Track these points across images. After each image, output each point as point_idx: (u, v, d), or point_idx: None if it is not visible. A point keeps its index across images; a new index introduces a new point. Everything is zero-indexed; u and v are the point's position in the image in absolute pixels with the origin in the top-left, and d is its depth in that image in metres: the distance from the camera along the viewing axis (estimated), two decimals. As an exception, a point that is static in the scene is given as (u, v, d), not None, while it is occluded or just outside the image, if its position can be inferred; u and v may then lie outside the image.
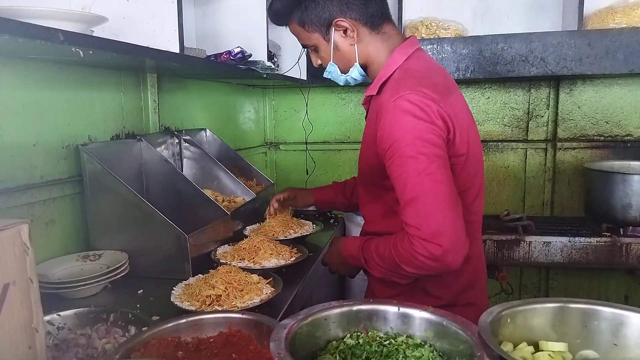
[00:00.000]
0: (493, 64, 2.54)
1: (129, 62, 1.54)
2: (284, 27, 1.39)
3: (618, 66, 2.45)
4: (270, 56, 2.26)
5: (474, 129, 1.34)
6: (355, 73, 1.36)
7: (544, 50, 2.50)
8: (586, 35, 2.46)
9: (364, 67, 1.36)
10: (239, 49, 1.83)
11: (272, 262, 1.53)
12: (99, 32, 1.42)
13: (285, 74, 2.48)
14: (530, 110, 2.95)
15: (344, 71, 1.37)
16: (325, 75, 1.42)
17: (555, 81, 2.88)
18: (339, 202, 1.88)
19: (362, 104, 1.44)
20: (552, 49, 2.50)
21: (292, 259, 1.58)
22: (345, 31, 1.30)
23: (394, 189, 1.20)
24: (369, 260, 1.30)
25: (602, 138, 2.88)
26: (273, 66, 2.17)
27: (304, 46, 1.39)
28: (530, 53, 2.52)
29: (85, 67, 1.59)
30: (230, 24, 2.17)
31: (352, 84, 1.43)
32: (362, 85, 1.44)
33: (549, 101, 2.92)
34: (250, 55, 1.92)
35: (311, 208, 2.18)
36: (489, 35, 2.57)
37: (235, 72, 1.86)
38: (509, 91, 2.97)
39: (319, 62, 1.39)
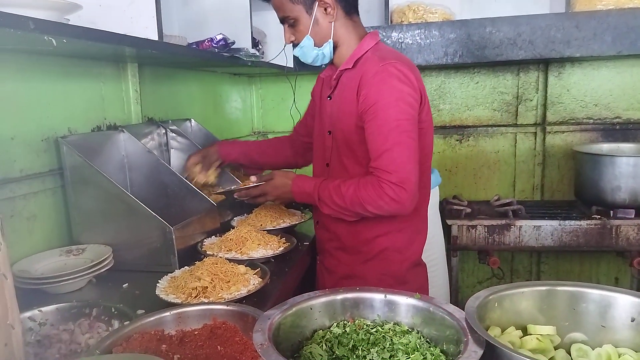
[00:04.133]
0: (481, 48, 2.51)
1: (107, 51, 1.50)
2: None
3: (606, 48, 2.44)
4: (255, 43, 2.22)
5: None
6: (328, 49, 1.49)
7: (532, 33, 2.48)
8: (574, 17, 2.45)
9: (334, 46, 1.50)
10: (221, 36, 1.79)
11: (259, 253, 1.51)
12: (75, 20, 1.38)
13: (270, 62, 2.44)
14: (519, 95, 2.94)
15: (318, 45, 1.48)
16: (295, 52, 1.53)
17: (544, 64, 2.87)
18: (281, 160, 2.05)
19: (332, 80, 1.53)
20: (540, 31, 2.47)
21: (280, 248, 1.56)
22: (326, 9, 1.44)
23: (368, 141, 1.38)
24: (324, 198, 1.45)
25: (592, 121, 2.87)
26: (257, 53, 2.13)
27: (282, 19, 1.49)
28: (519, 36, 2.50)
29: (63, 58, 1.54)
30: (213, 11, 2.12)
31: (317, 64, 1.54)
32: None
33: (538, 85, 2.90)
34: (233, 43, 1.88)
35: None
36: (476, 19, 2.54)
37: (218, 59, 1.82)
38: (497, 75, 2.94)
39: (293, 38, 1.50)
